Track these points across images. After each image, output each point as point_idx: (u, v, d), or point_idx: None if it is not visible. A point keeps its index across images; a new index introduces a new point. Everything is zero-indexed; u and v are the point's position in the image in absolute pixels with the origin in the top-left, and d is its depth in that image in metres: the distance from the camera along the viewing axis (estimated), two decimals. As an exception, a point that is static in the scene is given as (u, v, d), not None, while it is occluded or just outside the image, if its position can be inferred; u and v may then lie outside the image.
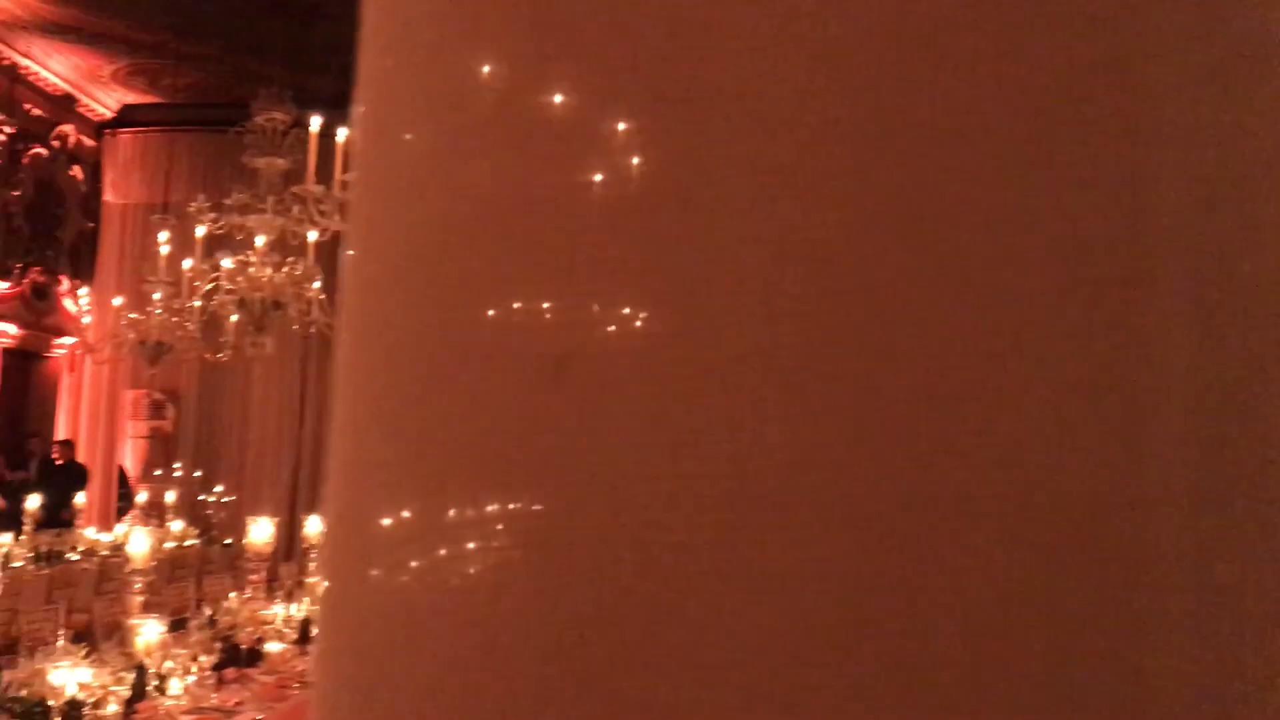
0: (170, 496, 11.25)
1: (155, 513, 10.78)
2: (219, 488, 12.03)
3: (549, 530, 0.44)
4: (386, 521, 0.46)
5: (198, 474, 12.89)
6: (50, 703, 3.09)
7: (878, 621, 0.45)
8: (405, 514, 0.46)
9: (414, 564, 0.44)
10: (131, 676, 3.42)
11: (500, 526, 0.43)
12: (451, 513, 0.45)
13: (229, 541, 10.68)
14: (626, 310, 0.46)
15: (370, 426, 0.50)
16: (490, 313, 0.48)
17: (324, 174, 5.31)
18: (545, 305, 0.47)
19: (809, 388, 0.45)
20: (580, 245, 0.47)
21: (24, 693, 3.24)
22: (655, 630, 0.43)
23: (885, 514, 0.46)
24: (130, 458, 13.53)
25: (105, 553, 9.06)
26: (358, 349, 0.54)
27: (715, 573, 0.43)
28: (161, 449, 13.48)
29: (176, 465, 13.02)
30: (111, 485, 13.18)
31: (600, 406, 0.45)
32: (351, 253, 0.56)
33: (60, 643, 3.43)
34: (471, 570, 0.43)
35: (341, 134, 5.39)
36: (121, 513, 12.66)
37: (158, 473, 13.04)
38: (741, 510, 0.44)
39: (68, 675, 3.07)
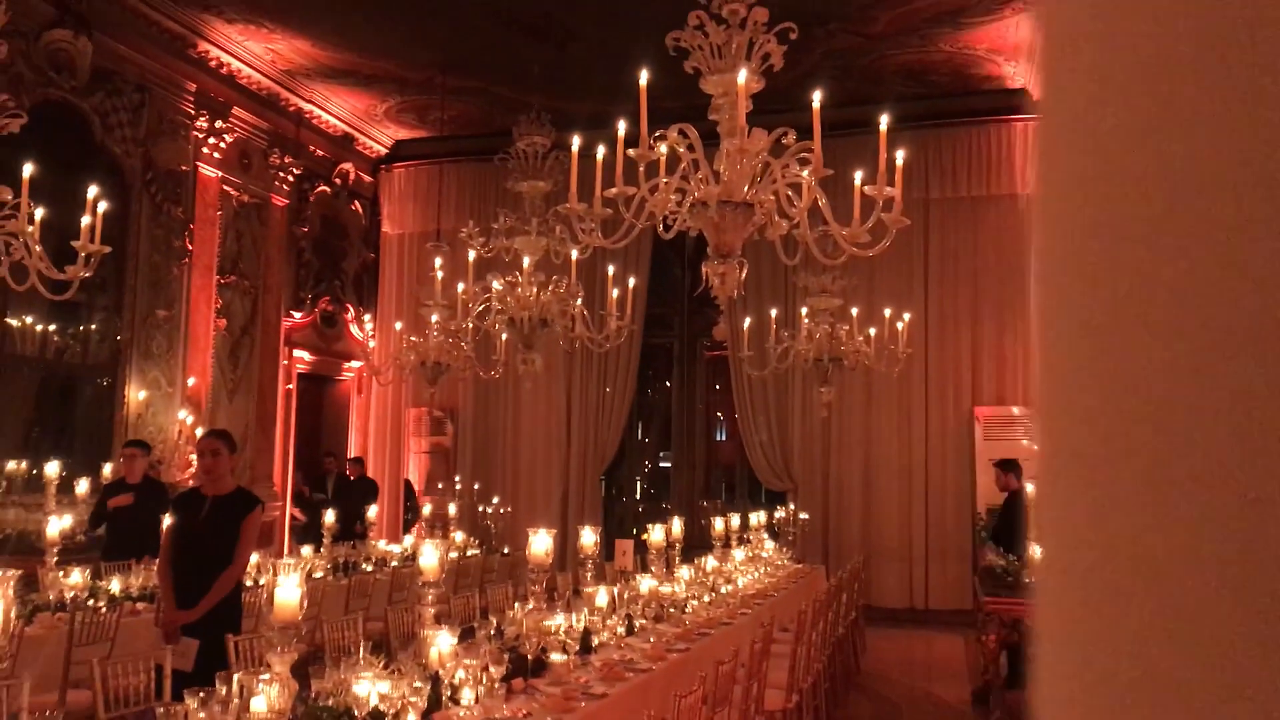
0: (452, 509, 11.81)
1: (439, 524, 11.34)
2: (495, 499, 12.53)
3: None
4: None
5: (476, 486, 13.49)
6: (355, 712, 3.22)
7: None
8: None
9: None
10: (427, 687, 3.54)
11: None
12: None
13: (506, 550, 11.10)
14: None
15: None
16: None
17: (584, 192, 5.38)
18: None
19: None
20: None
21: (330, 702, 3.40)
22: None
23: None
24: (414, 472, 14.32)
25: (395, 564, 9.57)
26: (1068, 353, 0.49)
27: None
28: (442, 463, 14.19)
29: (456, 478, 13.67)
30: (398, 499, 13.98)
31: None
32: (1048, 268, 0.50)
33: (361, 653, 3.58)
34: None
35: (600, 152, 5.45)
36: (408, 525, 13.40)
37: (440, 486, 13.74)
38: None
39: (369, 687, 3.20)
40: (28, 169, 6.22)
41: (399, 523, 13.57)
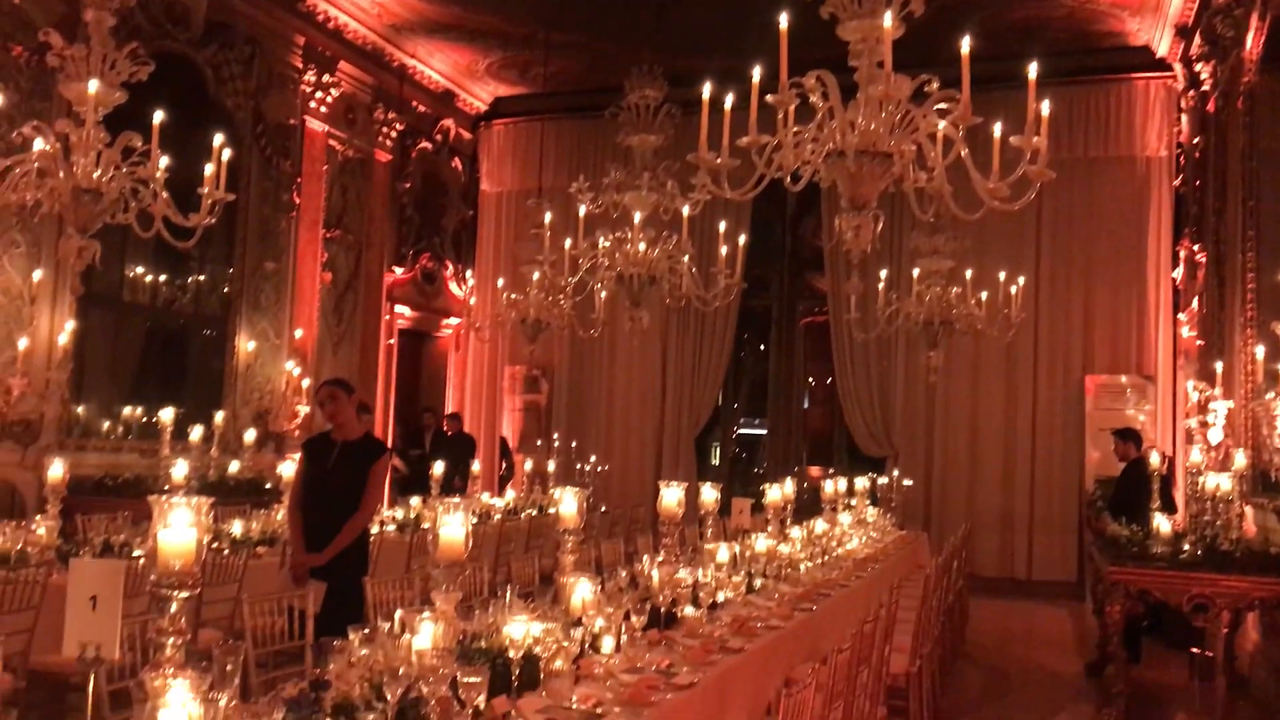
0: (551, 465, 11.83)
1: (538, 480, 11.36)
2: (593, 458, 12.49)
3: None
4: None
5: (573, 444, 13.51)
6: (510, 654, 3.16)
7: None
8: None
9: None
10: (578, 633, 3.49)
11: None
12: None
13: (604, 509, 11.06)
14: None
15: None
16: None
17: (703, 145, 5.21)
18: None
19: None
20: None
21: (483, 644, 3.36)
22: None
23: None
24: (508, 429, 14.37)
25: (498, 517, 9.55)
26: None
27: None
28: (535, 421, 14.23)
29: (555, 436, 13.70)
30: (494, 455, 14.05)
31: None
32: None
33: (508, 597, 3.53)
34: None
35: (729, 101, 5.28)
36: (503, 481, 13.47)
37: (539, 443, 13.78)
38: None
39: (524, 629, 3.13)
40: (158, 116, 6.25)
41: (494, 479, 13.63)
